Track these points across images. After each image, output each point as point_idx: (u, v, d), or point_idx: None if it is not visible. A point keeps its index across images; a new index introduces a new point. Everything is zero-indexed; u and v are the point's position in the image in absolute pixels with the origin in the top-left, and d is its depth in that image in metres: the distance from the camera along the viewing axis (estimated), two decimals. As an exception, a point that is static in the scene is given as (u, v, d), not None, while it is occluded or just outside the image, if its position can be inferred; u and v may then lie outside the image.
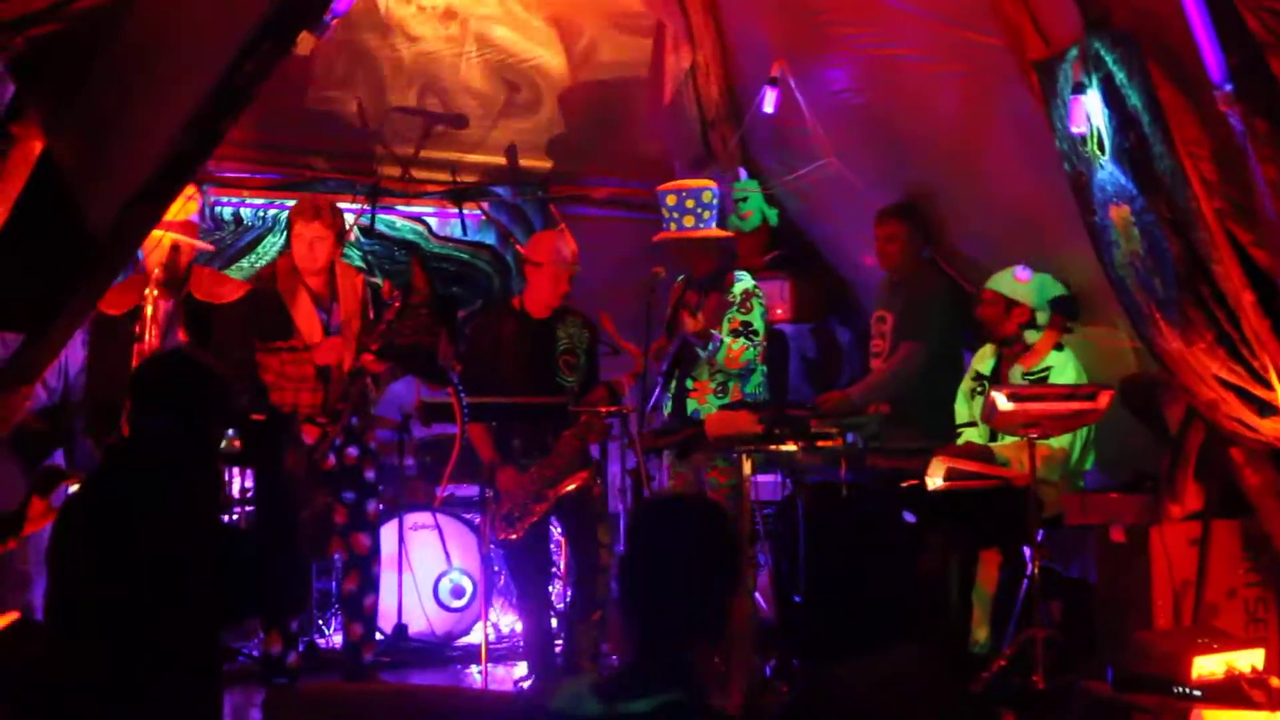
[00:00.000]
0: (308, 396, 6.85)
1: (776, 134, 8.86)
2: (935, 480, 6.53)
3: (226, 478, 7.68)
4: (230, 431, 5.42)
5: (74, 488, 6.03)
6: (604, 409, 7.02)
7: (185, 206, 6.95)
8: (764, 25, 8.55)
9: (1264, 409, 5.00)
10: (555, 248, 7.34)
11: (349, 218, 8.43)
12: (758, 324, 7.45)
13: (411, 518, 8.09)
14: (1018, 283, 6.97)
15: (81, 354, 6.97)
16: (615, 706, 2.97)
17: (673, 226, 7.65)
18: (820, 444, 6.94)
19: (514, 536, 6.96)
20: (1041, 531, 6.34)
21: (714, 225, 7.70)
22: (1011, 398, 6.21)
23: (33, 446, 6.59)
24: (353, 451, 6.98)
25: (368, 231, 8.99)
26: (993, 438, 6.95)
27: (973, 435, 7.11)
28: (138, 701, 3.82)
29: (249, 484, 7.53)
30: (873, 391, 7.63)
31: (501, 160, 9.32)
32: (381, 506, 7.69)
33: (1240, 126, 4.61)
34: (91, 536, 3.90)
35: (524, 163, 9.38)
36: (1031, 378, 6.86)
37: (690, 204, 7.60)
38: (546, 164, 9.42)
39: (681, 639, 3.03)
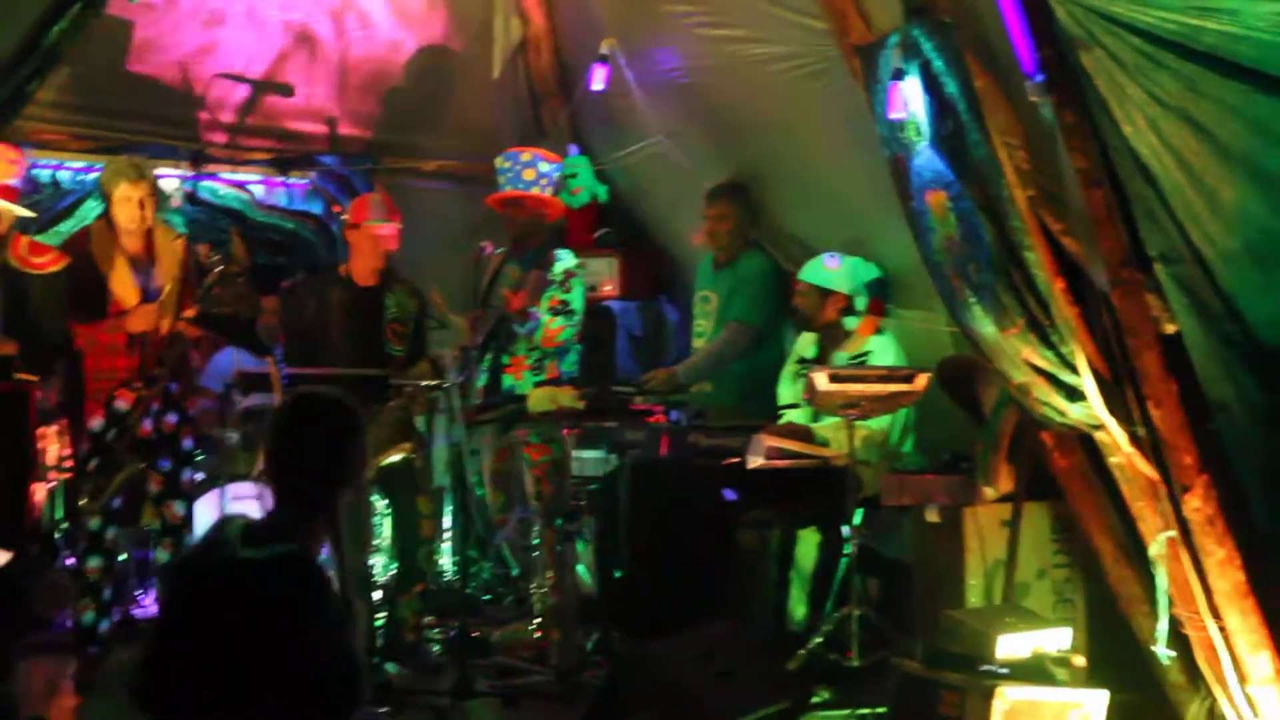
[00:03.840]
0: (122, 361, 6.75)
1: (607, 111, 8.86)
2: (756, 459, 6.60)
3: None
4: None
5: None
6: (426, 382, 6.98)
7: (6, 169, 6.78)
8: (595, 1, 8.54)
9: (1072, 394, 5.09)
10: (370, 207, 7.29)
11: (173, 183, 8.32)
12: (576, 304, 7.46)
13: (233, 488, 7.97)
14: (828, 270, 7.05)
15: None
16: (238, 552, 3.61)
17: (508, 189, 7.62)
18: (643, 420, 7.00)
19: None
20: (860, 511, 6.44)
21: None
22: (831, 379, 6.29)
23: None
24: (171, 419, 6.88)
25: (191, 198, 8.82)
26: (814, 420, 7.02)
27: (795, 417, 7.18)
28: None
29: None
30: (697, 370, 7.68)
31: (327, 129, 9.20)
32: (201, 476, 7.61)
33: (1051, 117, 4.70)
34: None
35: (352, 133, 9.26)
36: (853, 362, 6.94)
37: (529, 175, 7.57)
38: (375, 134, 9.31)
39: (305, 506, 3.77)
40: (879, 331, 7.01)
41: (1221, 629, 4.76)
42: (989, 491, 6.03)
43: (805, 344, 7.30)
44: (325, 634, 3.67)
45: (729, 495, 6.90)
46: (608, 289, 9.19)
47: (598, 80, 8.34)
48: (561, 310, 7.39)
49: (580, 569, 7.59)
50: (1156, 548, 4.94)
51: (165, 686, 3.66)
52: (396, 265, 7.39)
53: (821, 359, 7.10)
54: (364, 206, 7.35)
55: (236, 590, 3.63)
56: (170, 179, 8.39)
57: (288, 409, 3.99)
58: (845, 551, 6.38)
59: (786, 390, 7.30)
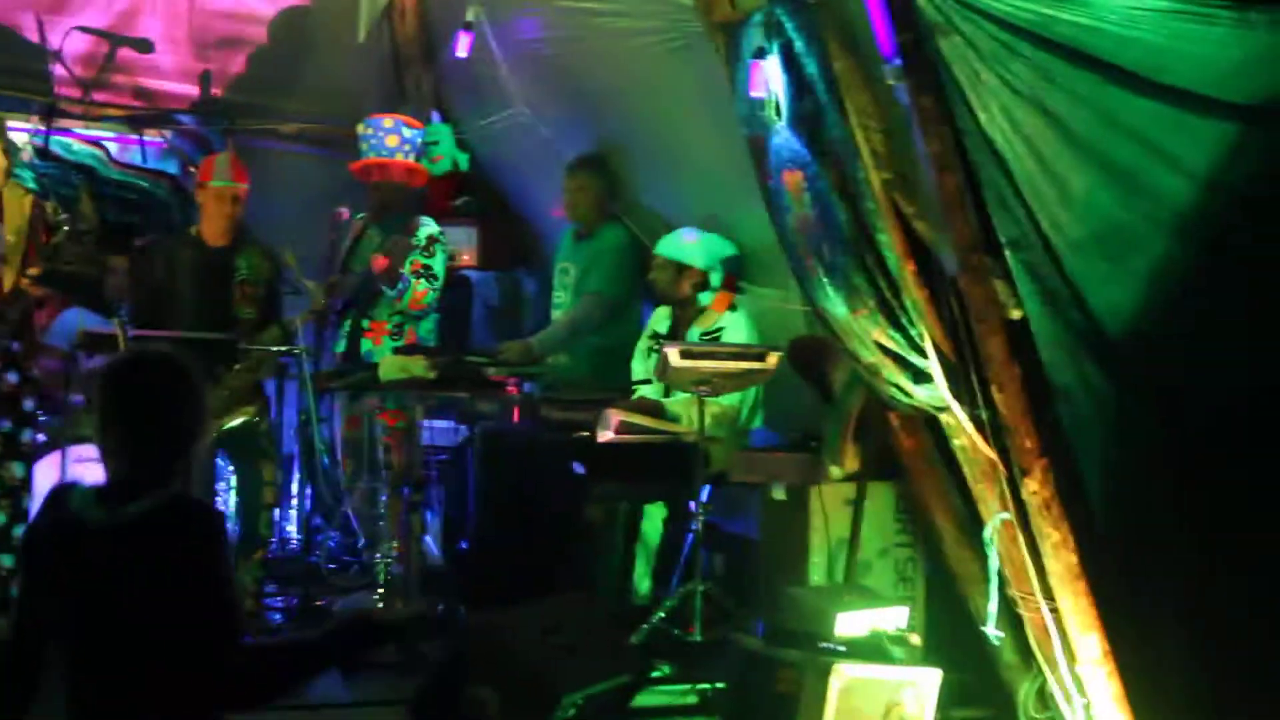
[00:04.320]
0: (-37, 320, 6.59)
1: (470, 79, 8.81)
2: (606, 432, 6.61)
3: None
4: None
5: None
6: (276, 348, 6.92)
7: None
8: (462, -33, 8.48)
9: (919, 376, 5.15)
10: (216, 167, 7.21)
11: (23, 137, 8.13)
12: (438, 269, 7.49)
13: (76, 450, 7.82)
14: (685, 244, 7.08)
15: None
16: (118, 511, 3.47)
17: (370, 156, 7.61)
18: (496, 392, 6.98)
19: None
20: (708, 487, 6.46)
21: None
22: (684, 355, 6.30)
23: None
24: (11, 378, 6.71)
25: (42, 153, 8.63)
26: (666, 396, 7.04)
27: (647, 392, 7.19)
28: None
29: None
30: (552, 342, 7.68)
31: (188, 88, 9.06)
32: (42, 437, 7.45)
33: (907, 101, 4.73)
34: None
35: (211, 92, 9.13)
36: (706, 338, 6.98)
37: (392, 141, 7.58)
38: (234, 95, 9.17)
39: (163, 456, 3.61)
40: (732, 308, 7.04)
41: (1053, 610, 4.83)
42: (835, 470, 6.06)
43: (659, 318, 7.33)
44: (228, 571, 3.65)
45: (578, 469, 6.90)
46: (466, 258, 9.16)
47: (462, 47, 8.27)
48: (425, 274, 7.42)
49: (427, 539, 7.55)
50: (991, 529, 5.01)
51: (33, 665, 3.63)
52: (253, 228, 7.30)
53: (674, 334, 7.13)
54: (210, 166, 7.27)
55: (123, 551, 3.49)
56: (20, 133, 8.20)
57: (119, 369, 3.78)
58: (692, 527, 6.41)
59: (640, 365, 7.32)
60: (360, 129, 7.71)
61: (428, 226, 7.58)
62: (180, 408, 3.73)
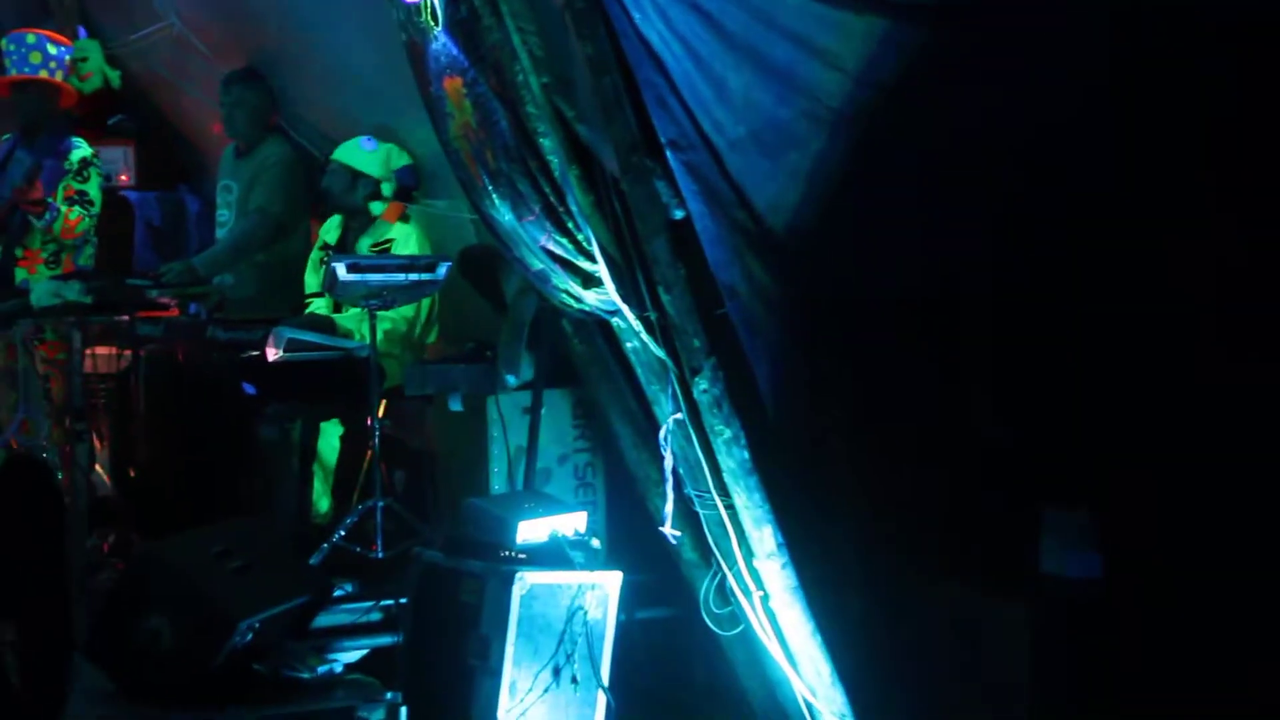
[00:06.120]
0: None
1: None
2: (276, 351, 6.46)
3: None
4: None
5: None
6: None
7: None
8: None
9: (588, 281, 5.15)
10: None
11: None
12: (94, 194, 7.28)
13: None
14: (363, 152, 6.96)
15: None
16: None
17: (14, 73, 7.32)
18: (159, 314, 6.79)
19: None
20: (384, 402, 6.38)
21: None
22: (351, 269, 6.18)
23: None
24: None
25: None
26: (337, 311, 6.93)
27: (318, 307, 7.08)
28: None
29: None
30: (216, 261, 7.47)
31: None
32: None
33: (560, 2, 4.69)
34: None
35: None
36: (376, 248, 6.88)
37: (36, 57, 7.31)
38: None
39: None
40: (404, 219, 6.97)
41: (729, 506, 4.90)
42: (511, 379, 6.06)
43: (329, 229, 7.21)
44: None
45: (248, 389, 6.74)
46: (123, 178, 8.87)
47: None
48: (79, 200, 7.18)
49: (96, 469, 7.30)
50: (665, 429, 5.04)
51: None
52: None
53: (344, 244, 7.02)
54: None
55: None
56: None
57: None
58: (369, 443, 6.33)
59: (311, 279, 7.20)
60: (2, 45, 7.37)
61: (80, 149, 7.35)
62: None
